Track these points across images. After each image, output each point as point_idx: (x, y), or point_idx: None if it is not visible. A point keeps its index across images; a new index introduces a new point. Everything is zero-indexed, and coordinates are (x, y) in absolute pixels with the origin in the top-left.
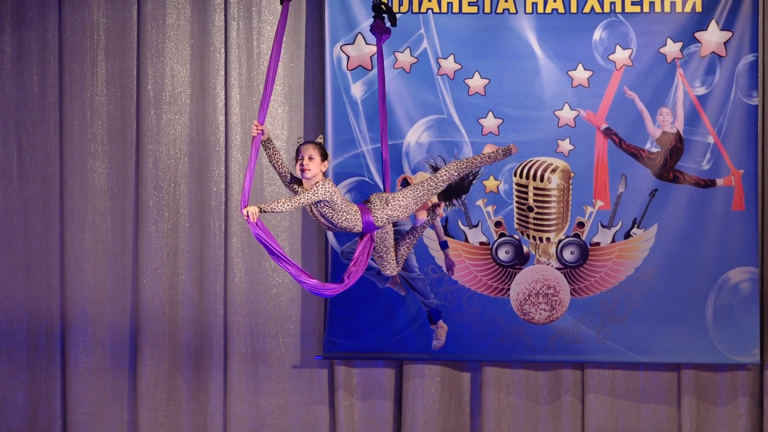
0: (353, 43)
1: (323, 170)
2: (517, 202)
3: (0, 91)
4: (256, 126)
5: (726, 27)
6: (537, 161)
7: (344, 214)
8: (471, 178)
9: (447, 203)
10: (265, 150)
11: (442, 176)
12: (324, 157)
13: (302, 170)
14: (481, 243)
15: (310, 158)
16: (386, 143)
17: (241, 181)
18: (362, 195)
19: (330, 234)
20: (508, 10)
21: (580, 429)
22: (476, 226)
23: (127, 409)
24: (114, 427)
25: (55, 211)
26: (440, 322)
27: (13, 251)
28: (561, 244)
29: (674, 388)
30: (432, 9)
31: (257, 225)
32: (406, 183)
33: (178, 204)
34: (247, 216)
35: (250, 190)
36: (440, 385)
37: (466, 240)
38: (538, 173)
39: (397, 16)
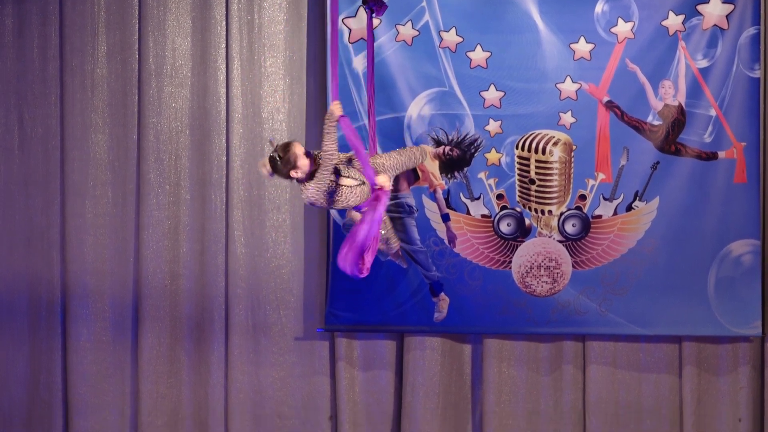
0: (355, 16)
1: (303, 161)
2: (518, 174)
3: (1, 64)
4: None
5: (728, 0)
6: (539, 134)
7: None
8: (473, 150)
9: (449, 176)
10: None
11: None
12: (289, 161)
13: (300, 180)
14: (483, 216)
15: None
16: (373, 118)
17: (242, 153)
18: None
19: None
20: None
21: (581, 400)
22: (478, 198)
23: (129, 381)
24: (115, 399)
25: (56, 183)
26: (442, 294)
27: (14, 224)
28: (563, 217)
29: (675, 360)
30: None
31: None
32: None
33: (179, 177)
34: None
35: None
36: (441, 357)
37: (468, 212)
38: (540, 146)
39: None
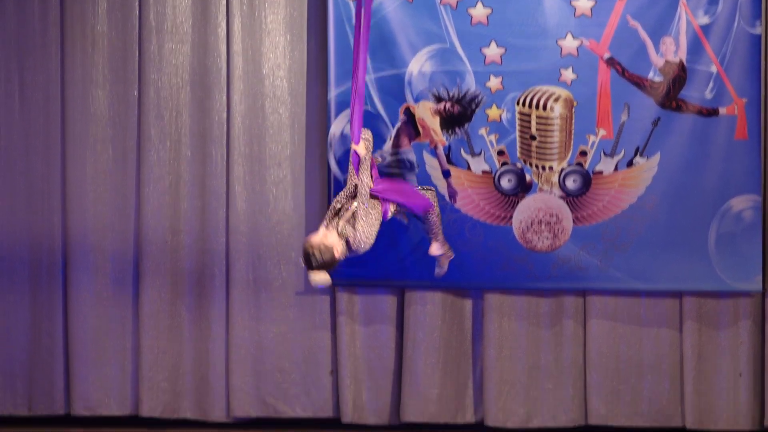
0: None
1: (333, 242)
2: (519, 130)
3: (0, 19)
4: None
5: None
6: (540, 90)
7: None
8: (474, 106)
9: (449, 132)
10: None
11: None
12: (334, 258)
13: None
14: (484, 171)
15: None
16: (360, 85)
17: (243, 110)
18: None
19: (332, 162)
20: None
21: (581, 355)
22: (479, 154)
23: (129, 336)
24: (116, 355)
25: (56, 139)
26: None
27: (14, 180)
28: (563, 173)
29: (676, 315)
30: None
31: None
32: (408, 112)
33: (180, 133)
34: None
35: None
36: (442, 312)
37: (469, 168)
38: (541, 102)
39: None
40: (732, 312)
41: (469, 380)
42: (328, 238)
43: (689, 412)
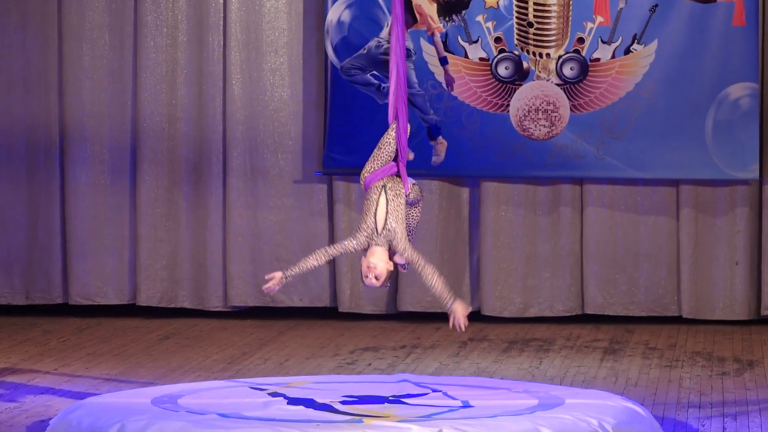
0: None
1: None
2: (517, 17)
3: None
4: None
5: None
6: None
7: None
8: None
9: (446, 19)
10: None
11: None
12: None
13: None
14: (481, 59)
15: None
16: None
17: None
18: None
19: (329, 50)
20: None
21: (578, 244)
22: (476, 41)
23: (127, 224)
24: (114, 242)
25: (53, 27)
26: (440, 138)
27: (11, 67)
28: (561, 60)
29: (673, 204)
30: None
31: None
32: None
33: (177, 19)
34: None
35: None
36: (439, 199)
37: (466, 56)
38: None
39: None
40: (729, 200)
41: (466, 269)
42: (379, 262)
43: (685, 301)
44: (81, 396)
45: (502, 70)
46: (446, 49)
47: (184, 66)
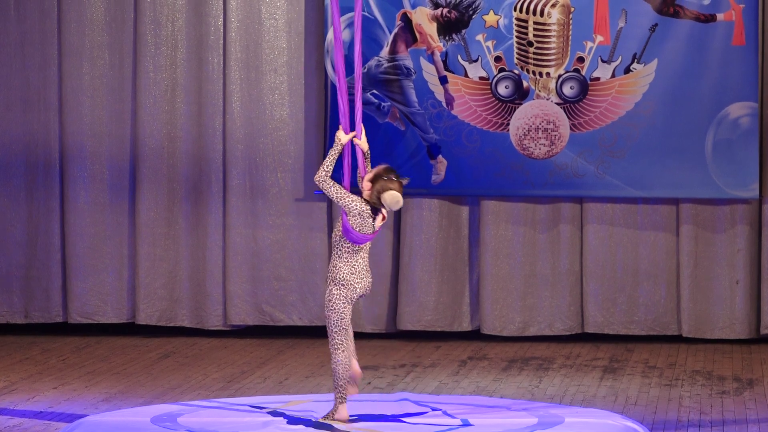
0: None
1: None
2: (517, 36)
3: None
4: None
5: None
6: None
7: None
8: (471, 12)
9: (446, 38)
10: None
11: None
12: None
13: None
14: (481, 78)
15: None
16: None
17: (239, 15)
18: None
19: (329, 69)
20: None
21: (578, 263)
22: (476, 60)
23: (126, 243)
24: (113, 261)
25: (53, 45)
26: (440, 156)
27: (11, 85)
28: (561, 79)
29: (673, 222)
30: None
31: None
32: (406, 18)
33: (176, 38)
34: None
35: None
36: (439, 218)
37: (466, 75)
38: (538, 8)
39: None
40: (729, 219)
41: (465, 288)
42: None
43: (685, 320)
44: (80, 415)
45: (502, 89)
46: (446, 68)
47: (183, 85)
